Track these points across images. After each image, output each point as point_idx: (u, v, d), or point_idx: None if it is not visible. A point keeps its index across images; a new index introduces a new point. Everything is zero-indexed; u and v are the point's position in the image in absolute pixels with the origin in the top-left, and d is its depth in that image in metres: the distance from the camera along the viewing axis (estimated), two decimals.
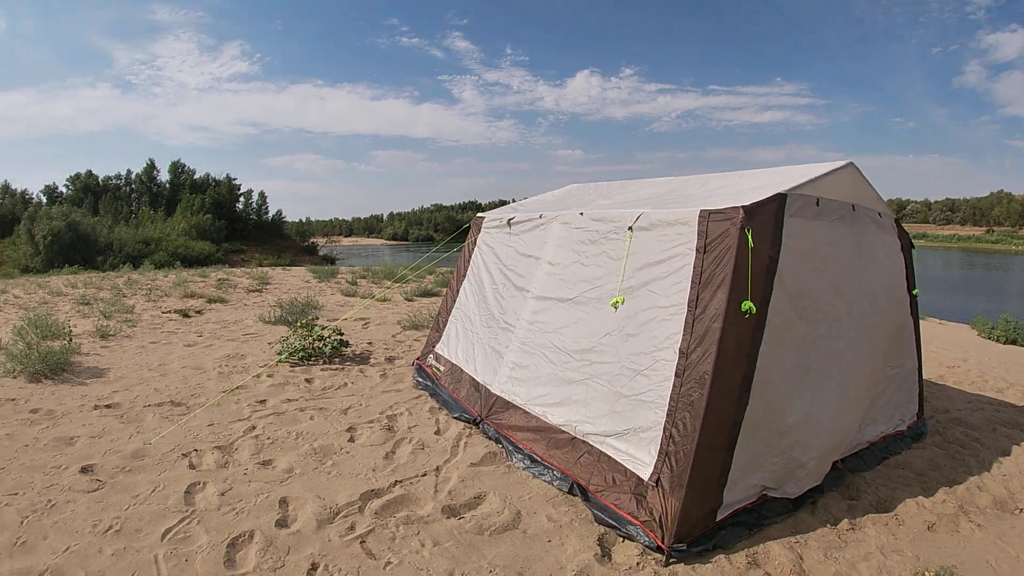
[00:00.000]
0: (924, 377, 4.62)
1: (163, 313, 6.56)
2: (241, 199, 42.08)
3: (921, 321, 8.35)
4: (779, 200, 2.28)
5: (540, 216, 3.45)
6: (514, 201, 4.92)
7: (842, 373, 2.66)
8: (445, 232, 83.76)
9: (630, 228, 2.61)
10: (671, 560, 1.96)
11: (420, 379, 4.01)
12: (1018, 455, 3.03)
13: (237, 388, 3.75)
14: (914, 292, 3.45)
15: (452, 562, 1.93)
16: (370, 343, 5.29)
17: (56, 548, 1.91)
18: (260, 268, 15.83)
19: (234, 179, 41.74)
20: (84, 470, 2.48)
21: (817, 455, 2.46)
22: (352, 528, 2.12)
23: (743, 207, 2.12)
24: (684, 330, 2.17)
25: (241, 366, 4.31)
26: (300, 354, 4.47)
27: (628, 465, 2.25)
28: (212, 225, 34.76)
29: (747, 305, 2.07)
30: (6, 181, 40.67)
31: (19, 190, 39.94)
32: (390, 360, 4.66)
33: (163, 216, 36.27)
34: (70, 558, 1.86)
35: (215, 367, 4.25)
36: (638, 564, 1.93)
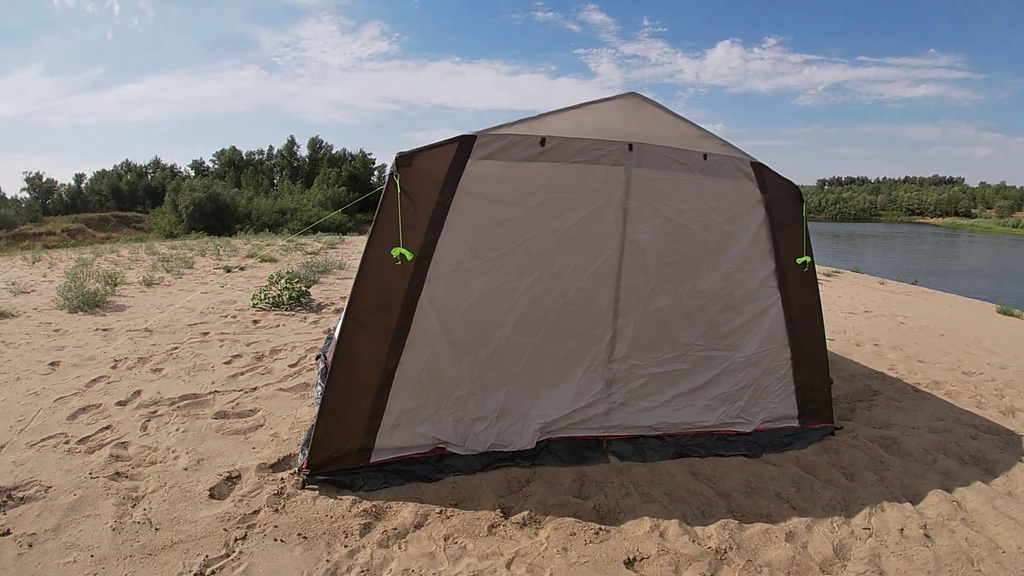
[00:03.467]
0: (910, 382, 4.28)
1: (215, 269, 9.20)
2: (375, 172, 50.13)
3: (1008, 316, 7.95)
4: (459, 143, 2.60)
5: None
6: None
7: (554, 334, 2.82)
8: None
9: None
10: (306, 484, 2.52)
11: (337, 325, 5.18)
12: (931, 504, 2.59)
13: (199, 323, 5.50)
14: (799, 260, 3.13)
15: (179, 443, 2.97)
16: (343, 297, 6.73)
17: None
18: (342, 235, 19.33)
19: (369, 154, 50.20)
20: (52, 364, 4.26)
21: (497, 416, 2.75)
22: (154, 412, 3.37)
23: (398, 154, 2.60)
24: None
25: (223, 308, 6.12)
26: (268, 301, 6.11)
27: None
28: (347, 197, 42.39)
29: (397, 251, 2.53)
30: (156, 156, 56.03)
31: (169, 164, 54.55)
32: (338, 311, 5.96)
33: (301, 188, 45.70)
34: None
35: (204, 308, 6.16)
36: (282, 479, 2.60)
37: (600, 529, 2.34)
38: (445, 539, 2.25)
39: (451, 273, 2.66)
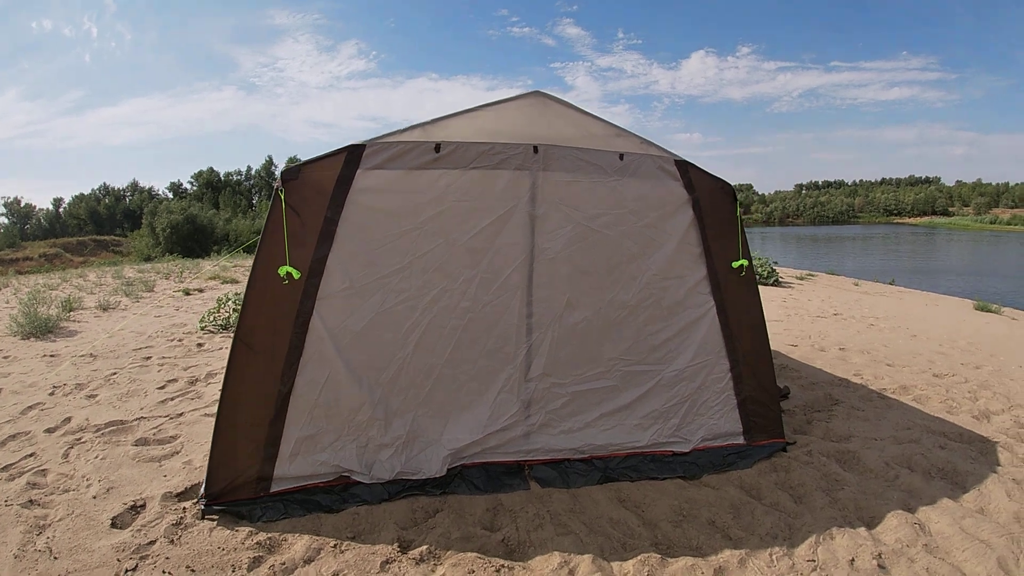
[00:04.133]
0: (875, 388, 4.37)
1: (174, 292, 9.75)
2: None
3: (985, 312, 8.45)
4: (347, 153, 2.73)
5: None
6: None
7: (462, 353, 2.94)
8: None
9: None
10: (205, 515, 2.69)
11: None
12: (889, 529, 2.58)
13: (144, 347, 5.92)
14: (735, 264, 3.19)
15: (95, 470, 3.17)
16: None
17: None
18: None
19: None
20: None
21: (404, 442, 2.89)
22: (78, 439, 3.60)
23: (284, 168, 2.81)
24: None
25: (172, 331, 6.55)
26: (217, 324, 6.50)
27: None
28: None
29: (284, 270, 2.67)
30: (135, 179, 59.44)
31: (147, 187, 57.90)
32: None
33: None
34: None
35: (154, 331, 6.58)
36: (184, 509, 2.78)
37: (503, 566, 2.38)
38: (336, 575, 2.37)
39: (344, 291, 2.79)
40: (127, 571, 2.44)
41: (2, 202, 50.73)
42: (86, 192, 60.42)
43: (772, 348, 5.60)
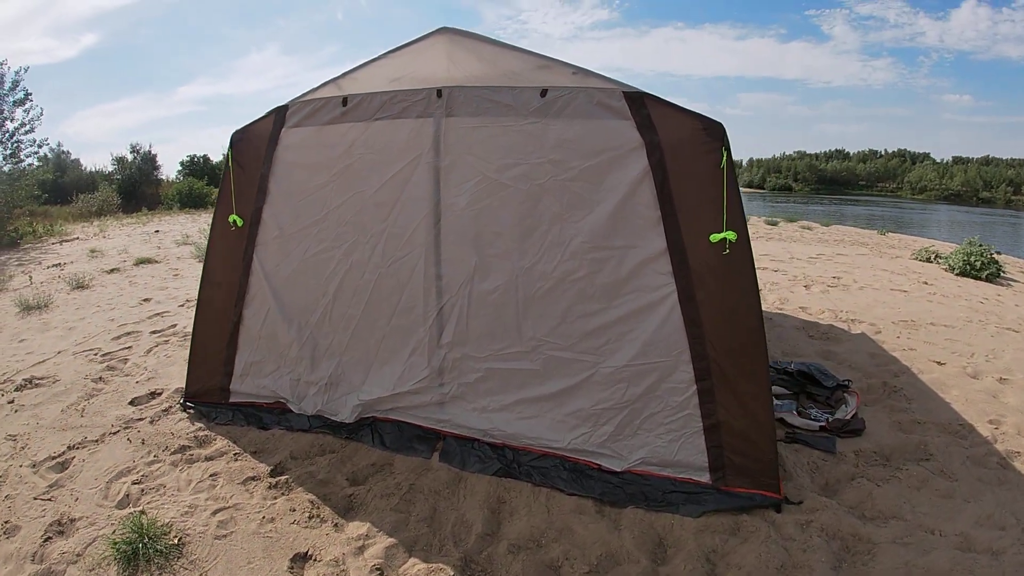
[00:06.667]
0: (1006, 448, 3.18)
1: None
2: None
3: None
4: (275, 114, 3.27)
5: None
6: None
7: (376, 307, 3.22)
8: (805, 182, 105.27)
9: None
10: (185, 408, 3.67)
11: None
12: None
13: None
14: (715, 237, 2.52)
15: (157, 364, 4.47)
16: None
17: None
18: None
19: None
20: (144, 300, 6.48)
21: (327, 383, 3.35)
22: (166, 340, 5.01)
23: (234, 132, 3.36)
24: None
25: None
26: None
27: None
28: None
29: (232, 218, 3.42)
30: None
31: None
32: None
33: None
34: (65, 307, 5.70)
35: None
36: (178, 400, 3.77)
37: (318, 516, 2.68)
38: (211, 476, 3.03)
39: (275, 239, 3.38)
40: (110, 434, 3.44)
41: None
42: None
43: (905, 364, 4.63)
